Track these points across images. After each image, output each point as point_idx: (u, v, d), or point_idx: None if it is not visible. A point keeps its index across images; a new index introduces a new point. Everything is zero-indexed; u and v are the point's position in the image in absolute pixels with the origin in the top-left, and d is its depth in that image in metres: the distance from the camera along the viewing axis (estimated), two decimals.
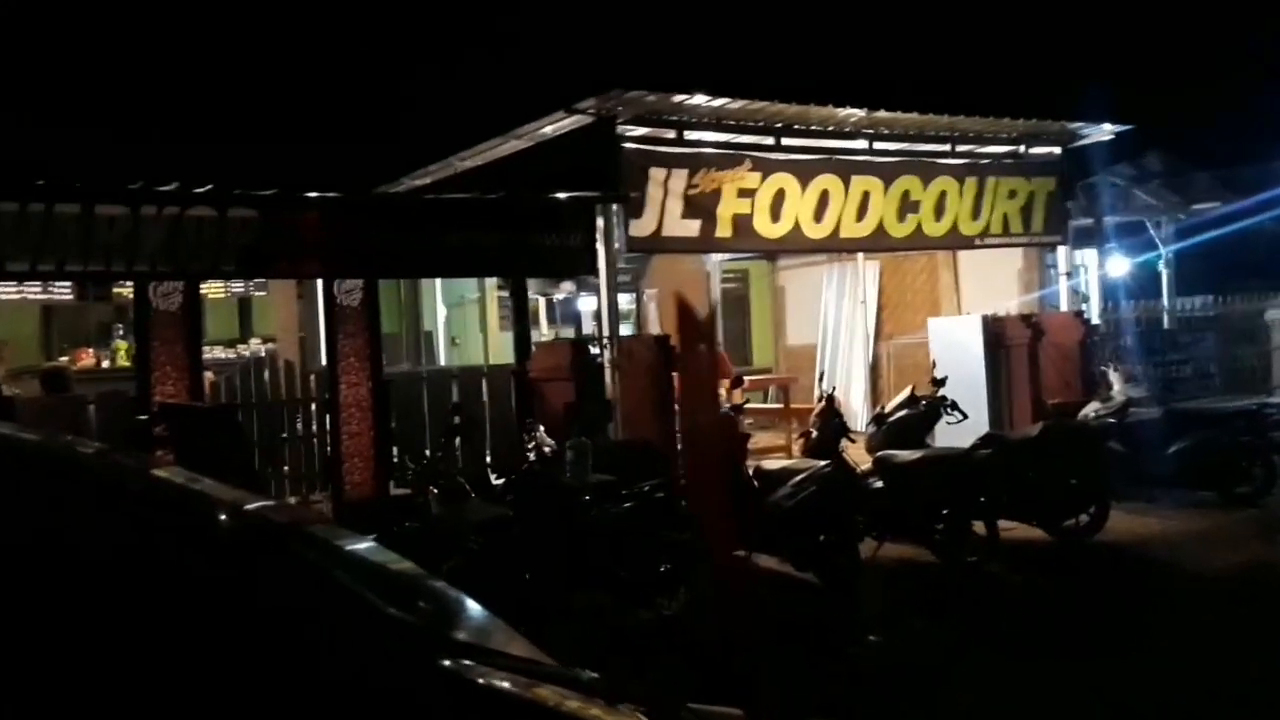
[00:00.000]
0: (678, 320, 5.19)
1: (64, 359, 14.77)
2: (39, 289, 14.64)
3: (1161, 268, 16.89)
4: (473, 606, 2.09)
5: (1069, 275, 14.90)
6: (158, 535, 2.00)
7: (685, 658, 6.13)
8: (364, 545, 2.22)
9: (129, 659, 1.64)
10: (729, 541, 5.92)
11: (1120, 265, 16.94)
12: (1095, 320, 14.61)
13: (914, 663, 6.81)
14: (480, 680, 1.82)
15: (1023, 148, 14.15)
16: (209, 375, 10.24)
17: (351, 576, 2.08)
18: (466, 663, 1.85)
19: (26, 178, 8.80)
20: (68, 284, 14.82)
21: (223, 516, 2.20)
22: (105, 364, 15.07)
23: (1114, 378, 11.65)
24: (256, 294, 16.74)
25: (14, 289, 14.38)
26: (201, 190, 9.19)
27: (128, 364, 13.29)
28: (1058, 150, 14.40)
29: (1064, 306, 14.64)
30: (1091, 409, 11.19)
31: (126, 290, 12.33)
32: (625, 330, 13.22)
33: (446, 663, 1.82)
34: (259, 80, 19.46)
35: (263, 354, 14.09)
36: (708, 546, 6.23)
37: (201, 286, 10.25)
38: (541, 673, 1.91)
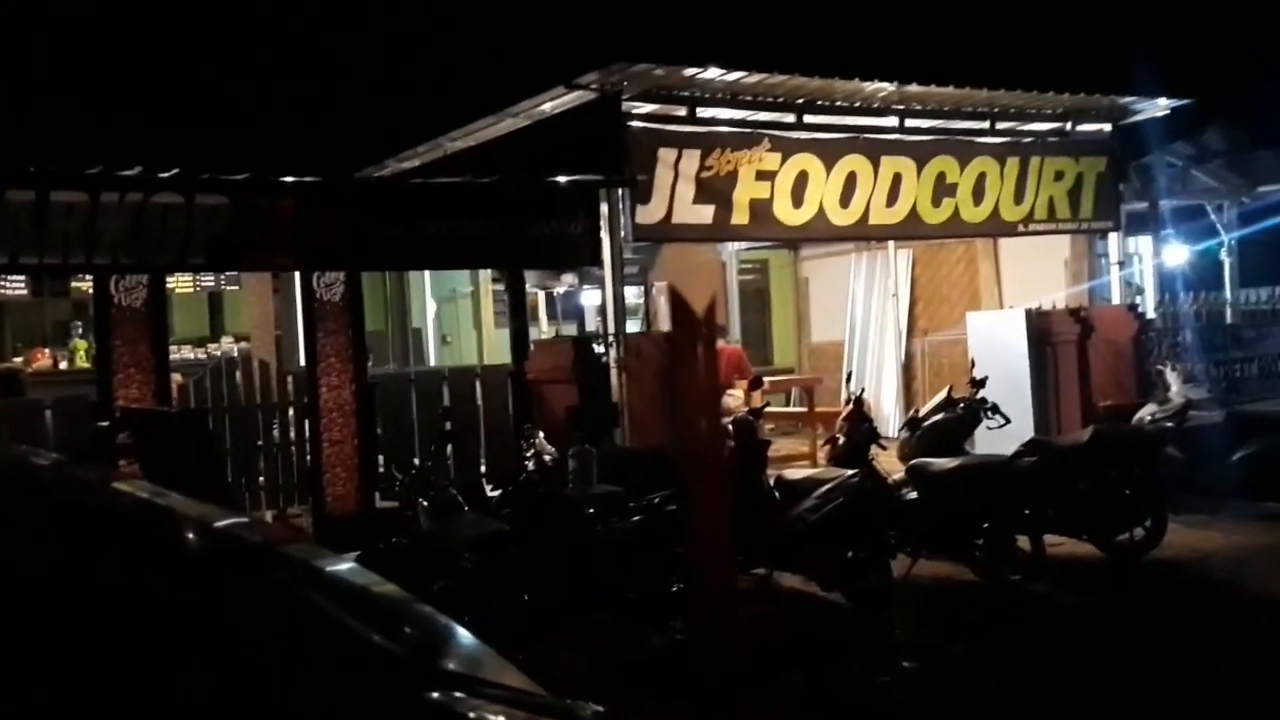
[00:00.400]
0: (671, 312, 5.19)
1: (18, 360, 14.86)
2: None
3: (1223, 256, 16.83)
4: (462, 634, 2.08)
5: (1121, 265, 14.84)
6: (118, 556, 2.00)
7: (691, 687, 6.13)
8: (344, 566, 2.22)
9: (82, 693, 1.64)
10: (727, 560, 5.91)
11: (1178, 254, 16.90)
12: (1150, 314, 14.56)
13: (953, 692, 6.79)
14: (471, 714, 1.81)
15: (1069, 125, 14.10)
16: (177, 377, 10.26)
17: (331, 601, 2.07)
18: (457, 695, 1.84)
19: None
20: (21, 278, 14.91)
21: (190, 535, 2.20)
22: (63, 365, 15.16)
23: (1171, 378, 11.61)
24: (228, 288, 16.84)
25: None
26: (167, 175, 9.20)
27: (88, 365, 13.34)
28: (1108, 127, 14.35)
29: (1116, 299, 14.59)
30: (1147, 412, 11.14)
31: (86, 284, 12.38)
32: (632, 327, 13.23)
33: (435, 695, 1.82)
34: (230, 54, 19.49)
35: (235, 354, 14.12)
36: (701, 566, 6.23)
37: (168, 280, 10.28)
38: (538, 705, 1.90)
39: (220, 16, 19.59)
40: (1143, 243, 16.32)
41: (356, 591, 2.12)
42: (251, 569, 2.12)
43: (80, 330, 15.22)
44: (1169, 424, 10.78)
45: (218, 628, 1.86)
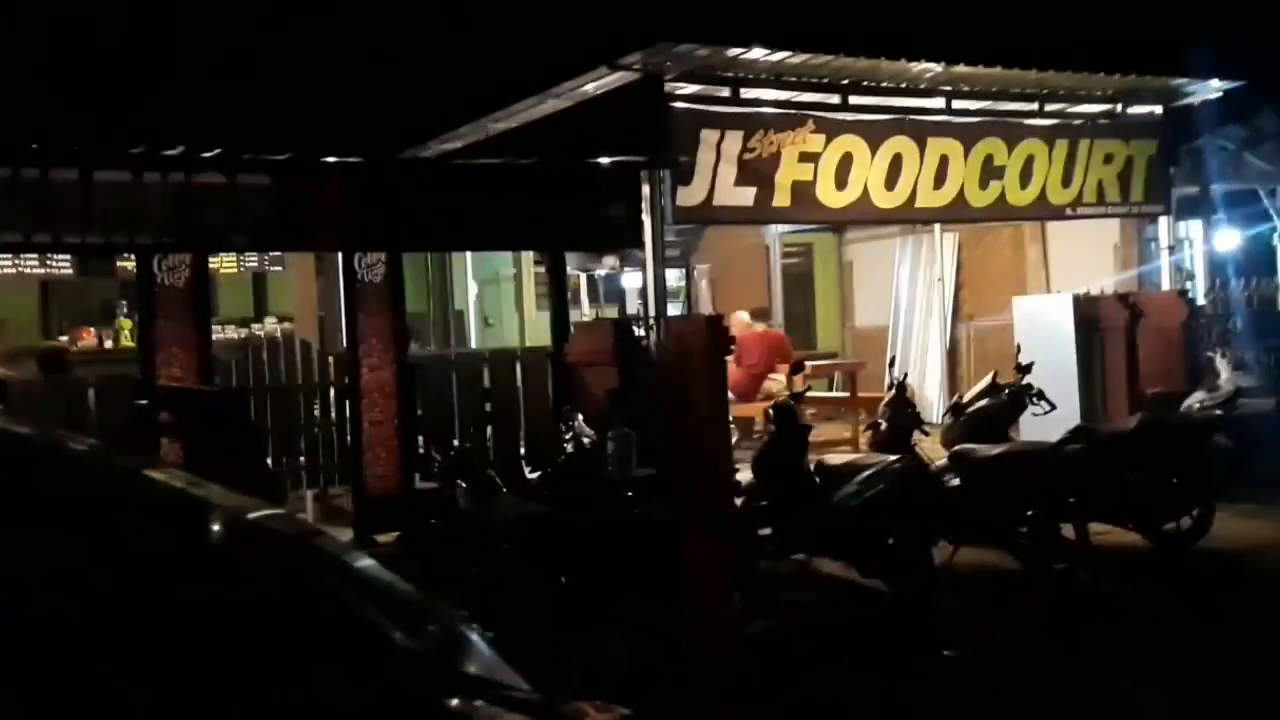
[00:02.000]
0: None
1: (64, 338, 15.00)
2: (37, 263, 14.86)
3: (1276, 241, 16.58)
4: (476, 639, 2.04)
5: (1172, 250, 14.66)
6: (150, 548, 1.98)
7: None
8: (367, 562, 2.19)
9: (105, 692, 1.62)
10: (714, 548, 5.88)
11: (1229, 239, 16.67)
12: (1201, 300, 14.37)
13: (995, 680, 6.73)
14: None
15: (1120, 107, 13.92)
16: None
17: (359, 597, 2.04)
18: (477, 703, 1.79)
19: (19, 141, 8.88)
20: (66, 257, 15.03)
21: (220, 528, 2.18)
22: (109, 344, 15.26)
23: (1221, 365, 11.44)
24: (272, 269, 16.90)
25: (9, 263, 14.60)
26: (210, 155, 9.23)
27: (132, 344, 13.43)
28: (1159, 110, 14.16)
29: (1166, 285, 14.42)
30: (1195, 399, 11.00)
31: (132, 264, 12.45)
32: (674, 310, 13.18)
33: (455, 702, 1.78)
34: (271, 33, 19.54)
35: (278, 334, 14.19)
36: (689, 557, 6.19)
37: (213, 261, 10.33)
38: (561, 715, 1.86)
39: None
40: (1193, 227, 16.11)
41: (380, 588, 2.10)
42: (281, 563, 2.10)
43: (125, 309, 15.31)
44: (1218, 411, 10.63)
45: (245, 621, 1.84)
